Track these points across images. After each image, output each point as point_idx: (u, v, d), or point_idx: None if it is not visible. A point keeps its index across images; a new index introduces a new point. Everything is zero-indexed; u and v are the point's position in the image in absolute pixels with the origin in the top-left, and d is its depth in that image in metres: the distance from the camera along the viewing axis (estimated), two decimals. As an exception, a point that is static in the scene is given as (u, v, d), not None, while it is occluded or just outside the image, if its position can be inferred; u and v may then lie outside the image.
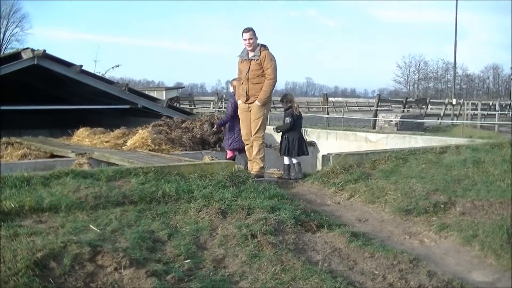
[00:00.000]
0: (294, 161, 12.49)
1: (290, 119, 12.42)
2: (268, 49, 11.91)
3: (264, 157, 12.14)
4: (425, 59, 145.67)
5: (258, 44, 11.93)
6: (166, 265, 6.59)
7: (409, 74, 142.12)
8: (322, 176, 11.64)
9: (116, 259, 6.32)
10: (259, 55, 11.78)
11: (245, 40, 11.87)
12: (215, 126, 15.64)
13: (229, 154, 14.36)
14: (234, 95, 13.23)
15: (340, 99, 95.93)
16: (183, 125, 19.43)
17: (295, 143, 12.47)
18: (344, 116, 41.32)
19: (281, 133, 12.91)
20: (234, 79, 13.42)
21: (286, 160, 12.64)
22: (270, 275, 6.53)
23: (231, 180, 10.09)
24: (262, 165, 12.05)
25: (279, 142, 13.35)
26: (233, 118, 13.71)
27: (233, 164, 11.05)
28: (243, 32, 11.92)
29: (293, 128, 12.50)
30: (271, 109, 31.40)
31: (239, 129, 13.03)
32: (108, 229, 7.52)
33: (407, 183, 10.47)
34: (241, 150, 13.48)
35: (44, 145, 17.96)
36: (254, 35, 11.85)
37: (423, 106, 49.30)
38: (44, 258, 6.14)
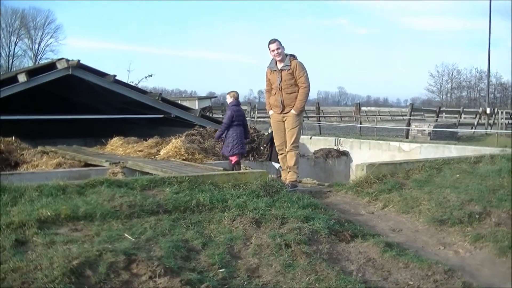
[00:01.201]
0: (276, 166, 13.28)
1: (271, 129, 13.13)
2: (297, 58, 11.92)
3: (298, 166, 12.13)
4: (458, 67, 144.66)
5: (286, 54, 11.93)
6: (201, 274, 6.59)
7: (442, 83, 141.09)
8: (355, 185, 11.60)
9: (151, 267, 6.34)
10: (290, 65, 11.78)
11: (273, 51, 11.88)
12: (215, 138, 15.71)
13: (234, 160, 14.82)
14: (232, 106, 14.45)
15: (372, 108, 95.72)
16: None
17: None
18: (377, 126, 41.13)
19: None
20: (231, 92, 14.78)
21: (276, 165, 13.45)
22: (304, 285, 6.51)
23: (264, 190, 10.08)
24: (297, 174, 12.06)
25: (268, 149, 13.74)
26: (230, 127, 14.50)
27: (266, 174, 11.05)
28: (269, 44, 11.94)
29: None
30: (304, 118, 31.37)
31: (237, 136, 14.36)
32: (143, 237, 7.55)
33: (441, 193, 10.38)
34: (242, 155, 14.54)
35: (79, 154, 18.11)
36: (280, 45, 11.86)
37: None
38: (80, 266, 6.18)
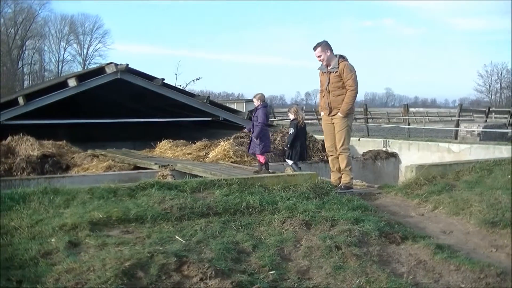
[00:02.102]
0: (289, 162, 13.70)
1: (293, 130, 13.58)
2: (346, 60, 11.81)
3: (351, 168, 12.04)
4: (507, 67, 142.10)
5: (335, 55, 11.85)
6: (251, 276, 6.59)
7: (491, 83, 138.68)
8: (405, 187, 11.48)
9: (202, 269, 6.36)
10: (338, 67, 11.70)
11: (317, 57, 11.88)
12: (254, 137, 15.53)
13: (262, 159, 14.89)
14: (259, 108, 14.70)
15: (421, 109, 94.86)
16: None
17: (298, 149, 13.61)
18: (425, 127, 40.73)
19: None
20: (257, 94, 15.15)
21: (289, 162, 13.80)
22: (355, 287, 6.47)
23: (314, 192, 10.07)
24: (351, 177, 11.97)
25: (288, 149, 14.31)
26: (264, 127, 14.63)
27: (316, 176, 11.03)
28: (313, 49, 11.92)
29: (297, 138, 13.58)
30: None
31: (267, 136, 14.65)
32: (193, 240, 7.58)
33: (492, 194, 10.22)
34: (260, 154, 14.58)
35: (128, 157, 18.27)
36: (323, 50, 11.78)
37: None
38: (132, 268, 6.23)
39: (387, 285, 6.49)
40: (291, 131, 13.92)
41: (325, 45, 11.83)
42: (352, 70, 11.66)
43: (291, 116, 14.31)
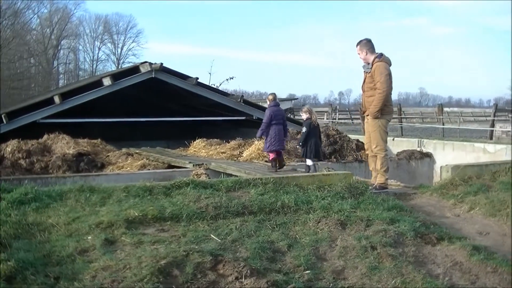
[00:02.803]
0: (309, 162, 13.90)
1: (306, 129, 13.92)
2: (382, 59, 11.58)
3: (387, 169, 11.93)
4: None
5: (374, 54, 11.71)
6: (286, 276, 6.59)
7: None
8: (440, 187, 11.39)
9: (237, 268, 6.37)
10: (371, 68, 11.59)
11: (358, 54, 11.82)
12: (256, 136, 16.26)
13: (271, 156, 15.36)
14: (271, 106, 15.30)
15: (455, 109, 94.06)
16: (298, 136, 19.52)
17: (312, 148, 13.83)
18: (460, 127, 40.34)
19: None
20: (270, 94, 15.91)
21: (309, 162, 14.05)
22: (390, 288, 6.44)
23: (349, 191, 10.03)
24: (386, 177, 11.87)
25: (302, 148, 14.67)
26: (269, 125, 15.00)
27: (351, 176, 11.00)
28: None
29: (309, 136, 13.83)
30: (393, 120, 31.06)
31: (276, 134, 14.83)
32: (229, 238, 7.60)
33: (530, 196, 10.12)
34: (278, 152, 15.20)
35: (162, 156, 18.35)
36: (361, 49, 11.67)
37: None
38: (168, 266, 6.26)
39: (423, 286, 6.45)
40: (304, 129, 14.27)
41: (363, 44, 11.72)
42: (383, 71, 11.43)
43: (304, 116, 14.66)
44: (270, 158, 15.44)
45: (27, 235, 7.65)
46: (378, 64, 11.46)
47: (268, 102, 15.81)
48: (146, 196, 9.07)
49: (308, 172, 13.72)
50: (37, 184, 10.29)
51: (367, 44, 11.70)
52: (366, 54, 11.63)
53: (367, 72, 11.63)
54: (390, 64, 11.61)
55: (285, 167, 15.43)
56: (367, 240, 7.63)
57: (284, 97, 67.04)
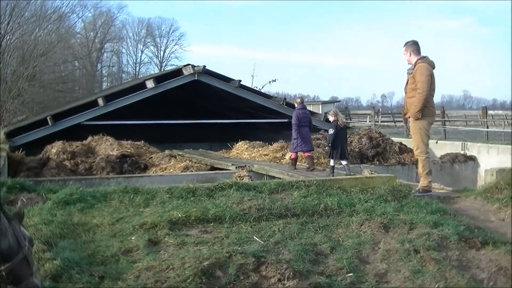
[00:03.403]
0: (344, 162, 14.26)
1: (332, 131, 14.15)
2: (425, 61, 11.45)
3: (429, 172, 11.76)
4: None
5: (417, 56, 11.59)
6: (329, 278, 6.57)
7: None
8: (485, 191, 11.22)
9: (280, 270, 6.38)
10: (413, 69, 11.50)
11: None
12: (293, 137, 16.39)
13: (293, 155, 16.26)
14: (298, 109, 16.14)
15: (500, 112, 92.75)
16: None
17: (338, 149, 14.21)
18: (505, 130, 39.77)
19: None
20: (297, 98, 17.16)
21: (331, 163, 14.56)
22: (434, 292, 6.38)
23: (392, 194, 9.97)
24: (429, 180, 11.71)
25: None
26: (298, 127, 15.79)
27: (394, 178, 10.93)
28: None
29: (336, 137, 14.23)
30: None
31: (303, 136, 15.69)
32: (272, 240, 7.60)
33: None
34: (304, 152, 16.03)
35: (205, 158, 18.40)
36: (406, 51, 11.57)
37: None
38: (211, 267, 6.30)
39: (466, 292, 6.38)
40: (331, 131, 14.45)
41: (409, 45, 11.63)
42: (424, 72, 11.28)
43: (331, 118, 14.71)
44: (292, 157, 16.25)
45: (72, 234, 7.76)
46: (420, 65, 11.35)
47: (296, 105, 16.45)
48: (190, 198, 9.13)
49: (332, 172, 14.22)
50: (81, 185, 10.42)
51: (412, 46, 11.60)
52: (410, 55, 11.53)
53: (409, 74, 11.54)
54: (433, 67, 11.49)
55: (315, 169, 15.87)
56: (410, 244, 7.57)
57: (326, 100, 67.04)
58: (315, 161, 16.88)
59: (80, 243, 7.46)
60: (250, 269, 6.40)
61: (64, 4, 46.55)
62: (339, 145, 14.25)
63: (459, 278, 6.69)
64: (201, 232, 7.93)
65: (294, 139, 15.87)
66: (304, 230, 8.15)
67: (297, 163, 16.46)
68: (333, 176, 13.41)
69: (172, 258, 6.71)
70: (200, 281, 6.03)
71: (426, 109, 11.39)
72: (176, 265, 6.37)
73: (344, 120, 14.78)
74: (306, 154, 15.95)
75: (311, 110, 30.37)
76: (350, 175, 13.22)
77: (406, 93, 11.70)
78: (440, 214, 9.19)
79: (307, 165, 15.88)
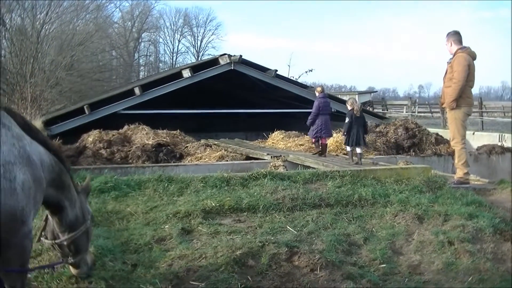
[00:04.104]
0: (358, 150, 14.51)
1: (348, 119, 14.66)
2: (465, 51, 11.32)
3: (465, 163, 11.61)
4: None
5: (458, 46, 11.47)
6: (362, 269, 6.56)
7: None
8: (521, 183, 11.14)
9: (312, 260, 6.38)
10: (452, 59, 11.40)
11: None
12: (307, 123, 16.81)
13: (313, 140, 16.73)
14: (319, 98, 16.40)
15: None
16: (377, 129, 19.43)
17: (354, 136, 14.48)
18: (544, 122, 39.27)
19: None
20: (318, 87, 17.72)
21: (348, 148, 14.91)
22: (467, 285, 6.32)
23: (427, 185, 9.91)
24: (465, 171, 11.58)
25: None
26: (318, 115, 16.18)
27: (429, 169, 10.86)
28: None
29: (352, 125, 14.55)
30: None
31: (322, 123, 16.02)
32: (305, 230, 7.61)
33: None
34: (324, 139, 16.45)
35: (240, 148, 18.37)
36: (447, 41, 11.48)
37: None
38: (243, 256, 6.31)
39: (501, 285, 6.32)
40: (347, 120, 14.76)
41: (451, 35, 11.52)
42: (461, 62, 11.17)
43: (349, 107, 15.06)
44: (313, 142, 16.75)
45: (106, 222, 7.83)
46: (458, 55, 11.25)
47: (317, 94, 16.81)
48: (224, 187, 9.17)
49: (352, 159, 14.49)
50: (117, 174, 10.52)
51: (454, 36, 11.50)
52: (451, 45, 11.43)
53: (449, 63, 11.44)
54: (473, 58, 11.36)
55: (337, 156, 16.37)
56: (445, 235, 7.52)
57: (363, 90, 66.62)
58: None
59: (114, 231, 7.53)
60: (282, 259, 6.40)
61: (102, -7, 46.93)
62: (355, 133, 14.54)
63: (493, 271, 6.63)
64: (235, 221, 7.96)
65: (315, 126, 16.25)
66: (338, 221, 8.14)
67: (334, 153, 16.49)
68: (352, 161, 13.90)
69: (205, 247, 6.74)
70: (233, 270, 6.05)
71: (462, 99, 11.27)
72: (208, 254, 6.39)
73: (360, 109, 15.03)
74: (323, 140, 16.35)
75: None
76: (360, 163, 13.71)
77: (444, 82, 11.59)
78: (475, 206, 9.10)
79: (319, 151, 16.33)
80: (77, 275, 5.73)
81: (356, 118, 14.72)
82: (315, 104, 16.37)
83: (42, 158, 4.82)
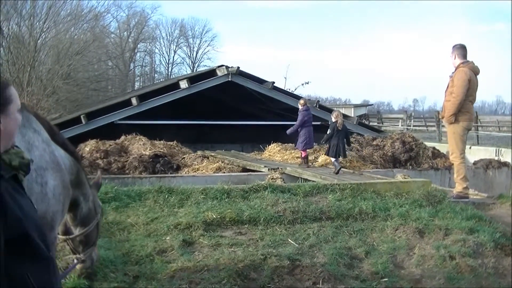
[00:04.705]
0: (333, 159, 15.32)
1: (330, 131, 15.39)
2: (466, 66, 11.27)
3: (464, 178, 11.56)
4: None
5: (461, 60, 11.43)
6: (364, 283, 6.57)
7: None
8: (520, 198, 11.15)
9: (314, 274, 6.39)
10: (454, 72, 11.40)
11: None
12: (287, 133, 17.59)
13: (303, 154, 17.01)
14: (303, 110, 16.92)
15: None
16: (374, 143, 19.45)
17: (334, 148, 15.22)
18: (539, 137, 39.33)
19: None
20: (301, 99, 18.29)
21: (332, 159, 15.47)
22: (470, 300, 6.33)
23: (427, 199, 9.90)
24: (464, 186, 11.55)
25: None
26: (301, 127, 16.72)
27: (429, 183, 10.86)
28: None
29: (333, 137, 15.27)
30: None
31: (308, 135, 16.66)
32: (306, 243, 7.61)
33: None
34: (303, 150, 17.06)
35: (237, 159, 18.39)
36: (453, 53, 11.45)
37: None
38: (246, 269, 6.31)
39: (503, 300, 6.33)
40: (329, 131, 15.46)
41: (456, 48, 11.48)
42: (462, 77, 11.11)
43: (333, 119, 15.77)
44: (303, 156, 17.00)
45: (107, 233, 7.81)
46: (459, 69, 11.23)
47: (300, 107, 17.19)
48: (224, 199, 9.16)
49: (338, 169, 14.98)
50: (114, 184, 10.49)
51: (458, 50, 11.47)
52: (455, 58, 11.41)
53: (450, 77, 11.44)
54: (476, 73, 11.33)
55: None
56: (446, 250, 7.54)
57: (358, 103, 66.75)
58: (348, 164, 16.96)
59: (114, 241, 7.51)
60: (285, 272, 6.41)
61: (99, 3, 46.94)
62: (335, 144, 15.24)
63: (495, 285, 6.65)
64: (236, 234, 7.95)
65: (301, 138, 16.73)
66: (339, 234, 8.15)
67: (332, 166, 16.54)
68: (336, 172, 14.66)
69: (207, 259, 6.73)
70: (235, 282, 6.05)
71: (462, 114, 11.26)
72: (211, 266, 6.39)
73: (342, 122, 15.71)
74: (305, 152, 16.95)
75: (344, 113, 30.33)
76: (337, 172, 14.53)
77: (445, 96, 11.59)
78: (475, 221, 9.11)
79: (302, 163, 16.92)
80: (81, 269, 5.75)
81: (337, 131, 15.37)
82: (299, 117, 16.84)
83: (65, 162, 4.90)
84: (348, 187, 10.00)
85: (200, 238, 7.59)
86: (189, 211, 8.51)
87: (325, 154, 16.41)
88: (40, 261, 2.87)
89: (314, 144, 17.84)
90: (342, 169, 16.15)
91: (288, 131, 17.25)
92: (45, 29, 34.56)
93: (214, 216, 8.24)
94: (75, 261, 5.68)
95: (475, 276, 6.87)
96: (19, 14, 33.22)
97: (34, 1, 34.24)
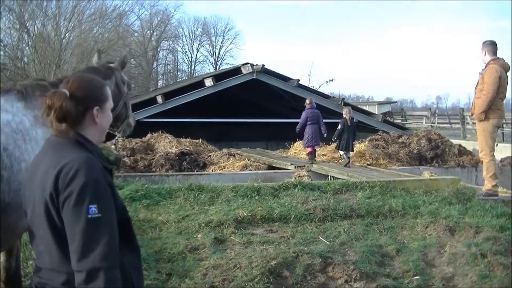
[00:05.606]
0: (341, 152, 16.61)
1: (341, 126, 16.55)
2: (497, 62, 11.13)
3: (494, 175, 11.46)
4: None
5: (491, 57, 11.33)
6: (396, 281, 6.54)
7: None
8: (549, 195, 11.07)
9: (347, 271, 6.36)
10: (484, 69, 11.30)
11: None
12: (297, 131, 18.30)
13: (309, 150, 17.81)
14: (308, 109, 17.84)
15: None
16: (400, 140, 19.38)
17: (344, 142, 16.36)
18: None
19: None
20: (307, 98, 18.73)
21: (341, 152, 16.88)
22: (502, 298, 6.30)
23: (456, 197, 9.86)
24: (493, 183, 11.47)
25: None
26: (305, 125, 17.59)
27: (458, 181, 10.82)
28: None
29: (343, 132, 16.41)
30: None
31: (312, 132, 17.35)
32: (337, 241, 7.60)
33: None
34: (313, 147, 17.82)
35: (263, 157, 18.41)
36: (483, 49, 11.34)
37: None
38: (278, 267, 6.30)
39: (535, 298, 6.29)
40: (339, 126, 16.54)
41: (486, 45, 11.35)
42: (492, 74, 11.00)
43: (344, 115, 16.96)
44: (307, 152, 17.84)
45: (138, 231, 7.83)
46: (490, 66, 11.11)
47: (306, 106, 17.93)
48: (254, 197, 9.19)
49: (348, 161, 16.34)
50: (143, 182, 10.55)
51: (489, 46, 11.36)
52: (485, 55, 11.29)
53: (480, 74, 11.34)
54: (506, 70, 11.19)
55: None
56: (477, 248, 7.46)
57: (381, 100, 66.41)
58: (374, 162, 16.95)
59: (146, 239, 7.55)
60: (317, 270, 6.39)
61: (124, 2, 47.11)
62: (345, 139, 16.33)
63: (528, 283, 6.60)
64: (267, 231, 7.97)
65: (306, 135, 17.57)
66: (369, 232, 8.14)
67: (358, 164, 16.51)
68: (347, 165, 16.05)
69: (239, 256, 6.74)
70: (268, 280, 6.04)
71: (492, 111, 11.14)
72: (243, 264, 6.40)
73: (351, 118, 17.03)
74: (310, 148, 17.54)
75: (368, 110, 30.23)
76: (348, 166, 15.88)
77: (475, 93, 11.50)
78: (506, 218, 9.01)
79: (308, 158, 17.52)
80: None
81: (347, 126, 16.46)
82: (302, 115, 17.72)
83: None
84: (377, 184, 9.99)
85: (231, 236, 7.62)
86: (220, 209, 8.54)
87: (336, 148, 17.38)
88: (136, 250, 3.21)
89: (319, 141, 18.24)
90: (368, 166, 16.25)
91: (297, 130, 18.01)
92: (70, 28, 34.77)
93: (245, 214, 8.27)
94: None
95: (508, 275, 6.80)
96: (44, 13, 33.43)
97: (59, 1, 34.48)
